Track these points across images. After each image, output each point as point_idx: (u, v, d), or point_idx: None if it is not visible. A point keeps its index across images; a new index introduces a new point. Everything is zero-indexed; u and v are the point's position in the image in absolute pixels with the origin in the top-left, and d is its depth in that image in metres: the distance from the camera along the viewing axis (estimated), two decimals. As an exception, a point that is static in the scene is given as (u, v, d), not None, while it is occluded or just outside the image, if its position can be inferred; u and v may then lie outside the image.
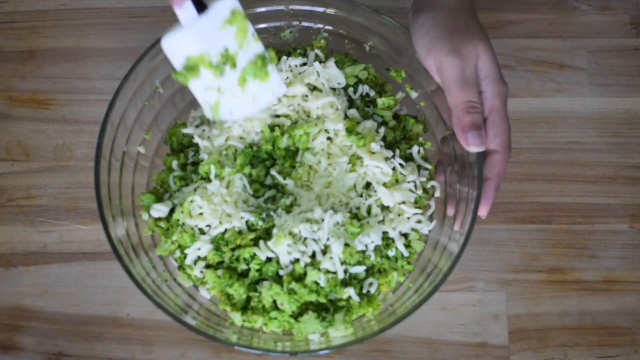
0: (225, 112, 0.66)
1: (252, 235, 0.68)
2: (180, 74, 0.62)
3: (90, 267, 0.79)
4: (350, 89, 0.74)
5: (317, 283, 0.66)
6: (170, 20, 0.61)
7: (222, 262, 0.69)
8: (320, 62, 0.73)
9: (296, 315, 0.67)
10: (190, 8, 0.59)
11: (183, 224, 0.69)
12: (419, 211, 0.70)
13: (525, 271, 0.79)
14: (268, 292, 0.66)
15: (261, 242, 0.67)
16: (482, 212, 0.66)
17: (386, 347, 0.76)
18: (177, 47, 0.61)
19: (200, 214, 0.68)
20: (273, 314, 0.66)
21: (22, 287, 0.79)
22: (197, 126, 0.73)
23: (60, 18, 0.88)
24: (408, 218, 0.69)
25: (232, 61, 0.63)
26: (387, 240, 0.69)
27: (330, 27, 0.76)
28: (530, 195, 0.82)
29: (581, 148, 0.84)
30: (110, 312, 0.78)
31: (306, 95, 0.71)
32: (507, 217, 0.81)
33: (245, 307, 0.68)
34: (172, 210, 0.70)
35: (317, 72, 0.71)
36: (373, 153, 0.70)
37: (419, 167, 0.72)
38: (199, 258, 0.69)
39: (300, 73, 0.72)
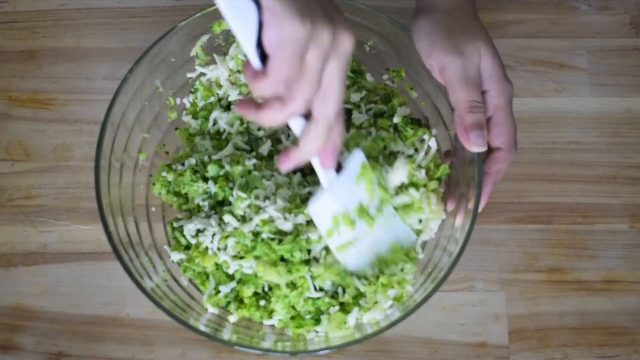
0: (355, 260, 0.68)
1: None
2: (329, 234, 0.65)
3: (90, 267, 0.79)
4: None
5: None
6: (171, 20, 0.60)
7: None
8: None
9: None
10: (333, 170, 0.62)
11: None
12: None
13: (525, 271, 0.79)
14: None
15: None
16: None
17: (386, 347, 0.76)
18: (322, 210, 0.64)
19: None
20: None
21: (22, 287, 0.78)
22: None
23: (60, 18, 0.88)
24: None
25: (366, 214, 0.66)
26: None
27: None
28: (530, 195, 0.82)
29: (581, 148, 0.84)
30: (110, 312, 0.78)
31: None
32: (507, 217, 0.81)
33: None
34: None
35: None
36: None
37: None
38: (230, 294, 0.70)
39: None
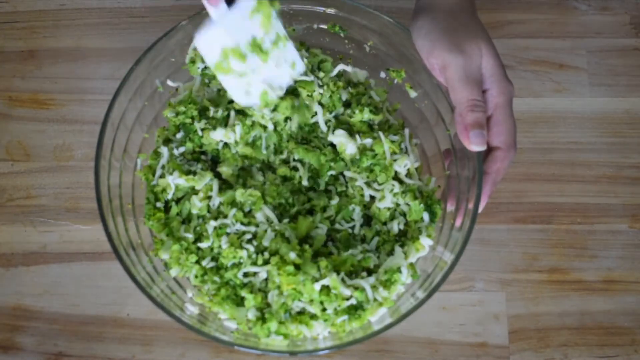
0: (257, 95, 0.68)
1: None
2: (218, 67, 0.65)
3: (90, 267, 0.79)
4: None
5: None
6: (171, 20, 0.61)
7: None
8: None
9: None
10: (222, 4, 0.61)
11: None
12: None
13: (525, 271, 0.79)
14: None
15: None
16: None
17: (386, 347, 0.76)
18: (211, 42, 0.63)
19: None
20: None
21: (22, 287, 0.79)
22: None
23: (60, 18, 0.88)
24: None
25: (259, 48, 0.65)
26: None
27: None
28: (530, 195, 0.82)
29: (581, 148, 0.84)
30: (110, 312, 0.78)
31: None
32: (507, 217, 0.81)
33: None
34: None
35: None
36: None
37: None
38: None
39: None
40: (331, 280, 0.64)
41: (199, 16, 0.70)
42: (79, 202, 0.81)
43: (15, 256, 0.80)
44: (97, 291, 0.78)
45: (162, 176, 0.71)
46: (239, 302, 0.67)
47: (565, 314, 0.78)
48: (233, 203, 0.69)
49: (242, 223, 0.68)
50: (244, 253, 0.66)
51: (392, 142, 0.71)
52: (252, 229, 0.68)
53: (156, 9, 0.88)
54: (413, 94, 0.75)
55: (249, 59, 0.65)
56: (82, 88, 0.85)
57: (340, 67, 0.74)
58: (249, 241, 0.68)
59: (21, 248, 0.80)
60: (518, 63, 0.86)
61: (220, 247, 0.67)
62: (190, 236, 0.68)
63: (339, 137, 0.71)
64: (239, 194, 0.69)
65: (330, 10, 0.74)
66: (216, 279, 0.67)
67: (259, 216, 0.69)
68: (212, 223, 0.68)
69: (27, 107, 0.85)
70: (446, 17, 0.66)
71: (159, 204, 0.71)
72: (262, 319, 0.66)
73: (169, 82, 0.74)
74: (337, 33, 0.75)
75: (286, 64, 0.68)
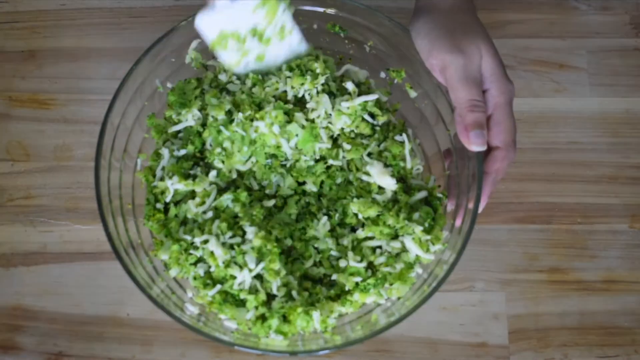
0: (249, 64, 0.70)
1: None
2: (216, 44, 0.67)
3: (90, 267, 0.79)
4: None
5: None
6: (171, 20, 0.61)
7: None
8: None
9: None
10: None
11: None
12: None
13: (525, 271, 0.79)
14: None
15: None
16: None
17: (386, 347, 0.76)
18: (210, 25, 0.66)
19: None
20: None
21: (22, 287, 0.79)
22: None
23: (60, 18, 0.88)
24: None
25: (260, 35, 0.67)
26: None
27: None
28: (530, 195, 0.82)
29: (581, 148, 0.84)
30: (110, 312, 0.78)
31: None
32: (507, 217, 0.81)
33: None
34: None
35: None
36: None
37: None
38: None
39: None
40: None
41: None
42: (79, 202, 0.81)
43: (15, 256, 0.80)
44: (97, 291, 0.78)
45: (162, 178, 0.71)
46: (239, 303, 0.67)
47: (565, 314, 0.78)
48: (223, 212, 0.69)
49: (230, 234, 0.67)
50: (236, 272, 0.66)
51: (401, 143, 0.71)
52: (239, 239, 0.68)
53: (156, 9, 0.88)
54: (413, 94, 0.75)
55: (248, 41, 0.67)
56: (82, 88, 0.85)
57: (347, 66, 0.74)
58: (239, 249, 0.67)
59: (21, 248, 0.80)
60: (518, 63, 0.86)
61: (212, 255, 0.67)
62: (188, 238, 0.68)
63: (375, 169, 0.69)
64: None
65: (330, 10, 0.74)
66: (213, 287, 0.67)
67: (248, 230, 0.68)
68: (197, 240, 0.67)
69: (27, 107, 0.85)
70: (446, 17, 0.66)
71: (159, 205, 0.71)
72: (262, 318, 0.66)
73: (168, 84, 0.74)
74: (337, 33, 0.75)
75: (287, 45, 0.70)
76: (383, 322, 0.66)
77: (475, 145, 0.64)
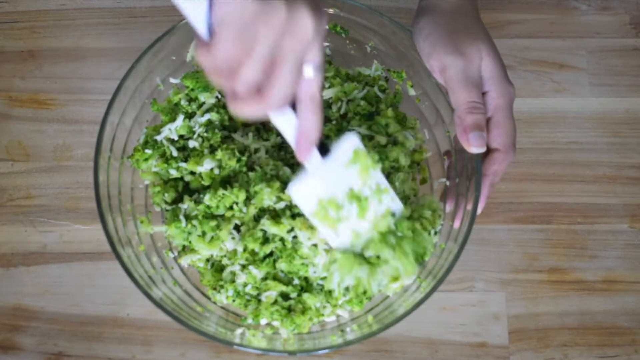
0: (345, 236, 0.65)
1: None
2: (315, 215, 0.62)
3: (90, 267, 0.79)
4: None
5: None
6: (171, 20, 0.60)
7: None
8: None
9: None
10: (316, 156, 0.58)
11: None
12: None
13: (525, 271, 0.79)
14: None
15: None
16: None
17: (386, 347, 0.76)
18: (306, 193, 0.61)
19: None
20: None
21: (22, 287, 0.79)
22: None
23: (60, 18, 0.88)
24: None
25: (357, 199, 0.63)
26: None
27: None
28: (530, 195, 0.82)
29: (581, 148, 0.84)
30: (110, 312, 0.78)
31: None
32: (507, 217, 0.81)
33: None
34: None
35: None
36: None
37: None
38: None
39: None
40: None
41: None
42: (79, 202, 0.81)
43: (15, 256, 0.80)
44: (97, 291, 0.78)
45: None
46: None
47: (565, 314, 0.78)
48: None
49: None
50: (229, 291, 0.69)
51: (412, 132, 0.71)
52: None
53: (156, 9, 0.88)
54: (412, 92, 0.75)
55: (345, 208, 0.63)
56: (82, 88, 0.85)
57: (361, 68, 0.75)
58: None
59: (21, 248, 0.80)
60: (518, 63, 0.86)
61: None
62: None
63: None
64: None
65: (331, 11, 0.74)
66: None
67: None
68: (186, 259, 0.69)
69: (27, 107, 0.85)
70: (447, 18, 0.66)
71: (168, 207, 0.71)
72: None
73: (172, 80, 0.74)
74: (338, 33, 0.75)
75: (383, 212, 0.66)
76: (382, 322, 0.66)
77: (474, 147, 0.64)
